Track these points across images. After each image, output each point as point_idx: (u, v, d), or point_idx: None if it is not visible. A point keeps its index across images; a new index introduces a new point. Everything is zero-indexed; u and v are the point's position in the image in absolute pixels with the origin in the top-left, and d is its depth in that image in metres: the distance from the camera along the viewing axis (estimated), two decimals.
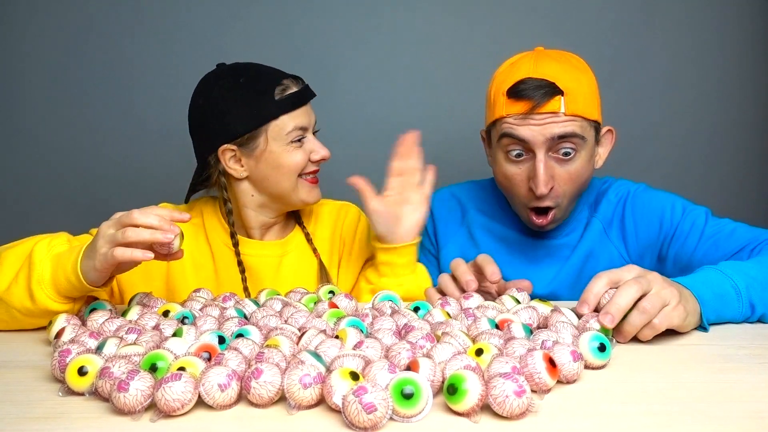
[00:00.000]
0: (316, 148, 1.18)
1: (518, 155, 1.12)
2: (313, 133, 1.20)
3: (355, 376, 0.66)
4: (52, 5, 1.89)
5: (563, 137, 1.08)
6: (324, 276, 1.24)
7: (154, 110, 1.93)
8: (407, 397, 0.63)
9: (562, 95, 1.08)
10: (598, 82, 1.15)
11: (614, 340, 0.83)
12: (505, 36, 1.88)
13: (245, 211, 1.21)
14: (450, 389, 0.65)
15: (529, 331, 0.82)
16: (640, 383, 0.72)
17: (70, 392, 0.72)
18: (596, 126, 1.14)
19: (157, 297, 1.02)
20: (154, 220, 0.88)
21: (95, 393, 0.70)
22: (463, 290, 1.02)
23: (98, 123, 1.93)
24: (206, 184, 1.22)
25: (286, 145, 1.14)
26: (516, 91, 1.09)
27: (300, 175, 1.18)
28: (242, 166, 1.16)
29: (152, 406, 0.66)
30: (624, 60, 1.89)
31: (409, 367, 0.69)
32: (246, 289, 1.20)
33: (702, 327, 0.89)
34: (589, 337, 0.77)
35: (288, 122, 1.14)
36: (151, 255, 0.88)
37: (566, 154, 1.10)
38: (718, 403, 0.67)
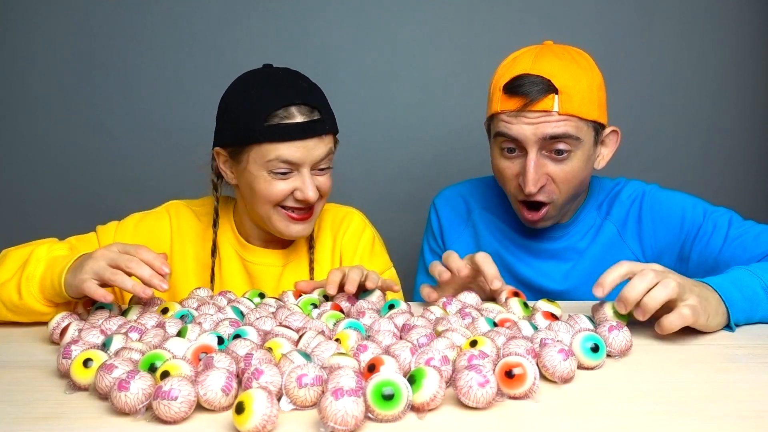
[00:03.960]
0: (302, 187, 1.07)
1: (510, 150, 1.11)
2: (321, 170, 1.09)
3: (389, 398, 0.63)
4: (54, 5, 1.89)
5: (555, 137, 1.07)
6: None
7: (156, 109, 1.93)
8: (387, 398, 0.62)
9: (557, 93, 1.06)
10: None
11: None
12: (506, 35, 1.87)
13: (243, 218, 1.18)
14: (409, 380, 0.65)
15: (536, 328, 0.83)
16: (639, 383, 0.72)
17: (75, 387, 0.72)
18: (596, 126, 1.12)
19: (157, 297, 1.01)
20: (146, 272, 0.90)
21: (96, 390, 0.70)
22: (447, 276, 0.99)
23: (100, 122, 1.93)
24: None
25: (265, 173, 1.06)
26: (511, 87, 1.08)
27: (281, 206, 1.10)
28: (232, 173, 1.13)
29: (150, 407, 0.66)
30: (624, 59, 1.88)
31: (373, 366, 0.68)
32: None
33: (728, 327, 0.88)
34: (582, 338, 0.76)
35: (271, 151, 1.04)
36: (110, 298, 0.91)
37: (559, 152, 1.09)
38: (718, 403, 0.67)
